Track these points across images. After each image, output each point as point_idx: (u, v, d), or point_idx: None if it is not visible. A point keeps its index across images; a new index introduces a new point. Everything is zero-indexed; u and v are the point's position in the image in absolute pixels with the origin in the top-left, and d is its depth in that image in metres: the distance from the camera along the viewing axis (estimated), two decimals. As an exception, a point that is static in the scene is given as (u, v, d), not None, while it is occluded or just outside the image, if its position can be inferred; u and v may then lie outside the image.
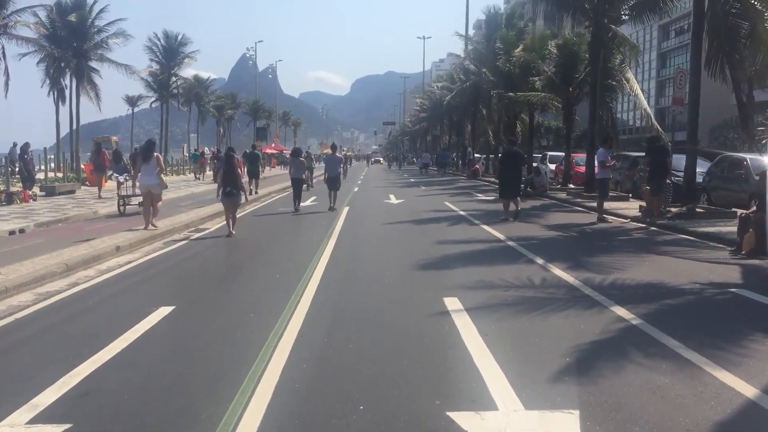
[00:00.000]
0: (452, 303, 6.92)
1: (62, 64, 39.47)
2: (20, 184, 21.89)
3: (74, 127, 40.38)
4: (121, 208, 17.27)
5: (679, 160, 16.84)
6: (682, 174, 16.11)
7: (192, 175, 41.02)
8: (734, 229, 11.03)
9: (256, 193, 24.44)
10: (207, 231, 14.09)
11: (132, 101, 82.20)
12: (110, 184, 25.13)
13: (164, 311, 6.78)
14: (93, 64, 41.74)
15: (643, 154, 21.00)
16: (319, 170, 39.62)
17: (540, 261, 9.68)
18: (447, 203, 20.80)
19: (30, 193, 20.96)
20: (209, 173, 36.04)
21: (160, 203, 13.68)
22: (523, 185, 18.95)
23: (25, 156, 22.50)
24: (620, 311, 6.56)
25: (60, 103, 39.98)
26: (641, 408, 4.08)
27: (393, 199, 22.88)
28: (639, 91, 24.83)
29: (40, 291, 7.96)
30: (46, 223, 14.93)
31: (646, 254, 10.56)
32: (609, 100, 25.80)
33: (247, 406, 4.17)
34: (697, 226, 12.94)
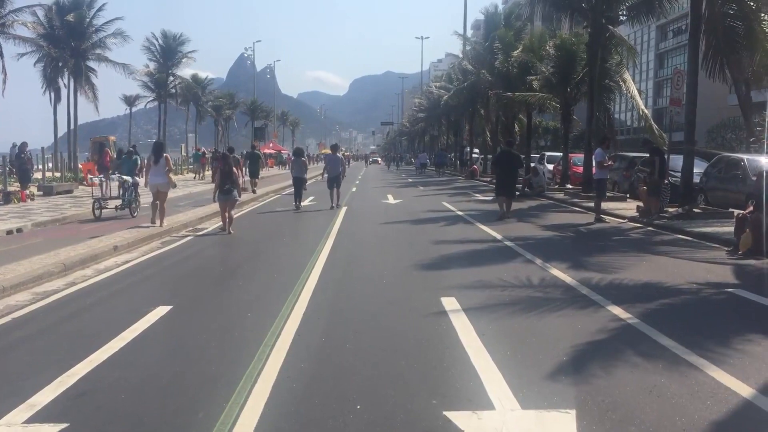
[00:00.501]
0: (450, 303, 6.93)
1: (60, 64, 39.44)
2: (18, 184, 21.84)
3: (72, 126, 40.37)
4: (96, 212, 15.95)
5: (676, 161, 16.87)
6: (679, 174, 16.13)
7: (191, 174, 41.06)
8: (731, 229, 11.05)
9: (254, 192, 24.51)
10: (205, 231, 14.09)
11: (130, 101, 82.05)
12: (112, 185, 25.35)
13: (162, 311, 6.78)
14: (91, 63, 41.76)
15: (640, 154, 21.08)
16: (316, 170, 39.74)
17: (537, 261, 9.70)
18: (445, 203, 20.82)
19: (27, 192, 20.92)
20: (208, 173, 36.07)
21: (165, 203, 13.98)
22: (519, 185, 19.09)
23: (22, 155, 22.42)
24: (617, 311, 6.58)
25: (57, 102, 39.96)
26: (637, 407, 4.09)
27: (391, 199, 22.89)
28: (636, 93, 24.88)
29: (38, 290, 7.96)
30: (44, 223, 14.91)
31: (644, 254, 10.57)
32: (607, 101, 25.85)
33: (244, 406, 4.17)
34: (694, 227, 12.97)
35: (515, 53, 29.23)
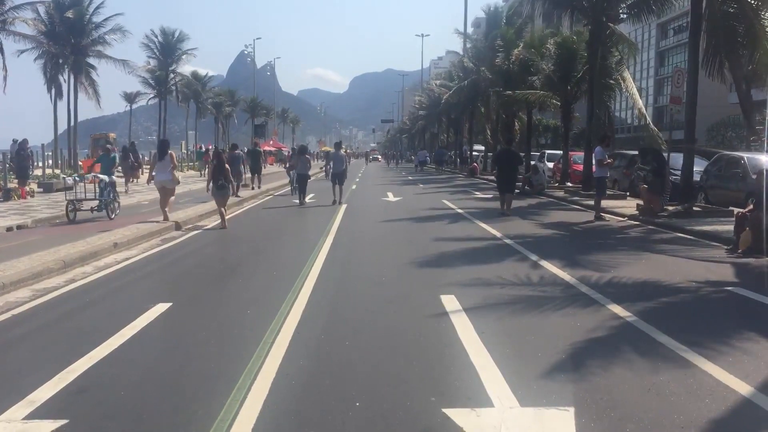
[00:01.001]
0: (449, 301, 6.93)
1: (60, 61, 39.42)
2: (17, 181, 21.84)
3: (72, 123, 40.34)
4: (71, 214, 14.71)
5: (676, 159, 16.86)
6: (679, 172, 16.13)
7: (192, 172, 41.06)
8: (731, 227, 11.05)
9: (259, 188, 24.88)
10: (205, 228, 14.10)
11: (130, 98, 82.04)
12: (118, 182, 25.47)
13: (161, 308, 6.79)
14: (91, 60, 41.71)
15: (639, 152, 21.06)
16: (315, 168, 39.71)
17: (537, 259, 9.70)
18: (445, 201, 20.81)
19: (27, 189, 20.92)
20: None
21: (172, 198, 14.34)
22: (519, 183, 19.19)
23: (21, 152, 22.39)
24: (616, 309, 6.58)
25: (58, 99, 39.94)
26: (636, 405, 4.09)
27: (391, 197, 22.88)
28: (635, 91, 24.86)
29: (38, 287, 7.97)
30: (44, 220, 14.92)
31: (643, 252, 10.58)
32: (607, 99, 25.82)
33: (243, 403, 4.18)
34: (694, 225, 12.97)
35: (516, 51, 29.22)
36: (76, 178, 16.00)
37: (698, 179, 17.23)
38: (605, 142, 16.24)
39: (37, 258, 9.15)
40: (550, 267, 9.02)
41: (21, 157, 22.12)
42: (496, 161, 18.11)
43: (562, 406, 4.05)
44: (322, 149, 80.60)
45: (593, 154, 16.81)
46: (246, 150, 28.15)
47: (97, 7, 41.43)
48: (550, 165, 29.53)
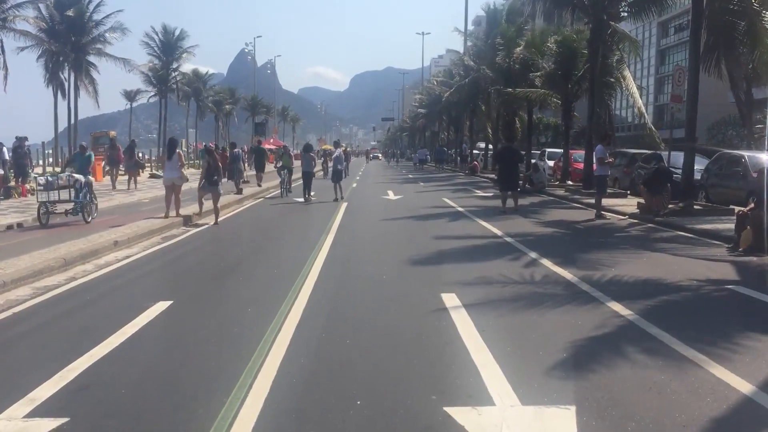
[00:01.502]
0: (450, 299, 6.93)
1: (60, 59, 39.40)
2: (19, 178, 21.79)
3: (72, 121, 40.35)
4: (43, 217, 13.42)
5: (677, 158, 16.85)
6: (680, 171, 16.11)
7: (193, 170, 41.11)
8: (732, 226, 11.04)
9: (260, 186, 24.96)
10: (205, 226, 14.09)
11: (130, 96, 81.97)
12: (119, 179, 26.06)
13: (162, 306, 6.79)
14: (91, 58, 41.70)
15: (640, 151, 21.05)
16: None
17: (538, 257, 9.69)
18: (445, 199, 20.80)
19: (28, 187, 20.90)
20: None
21: (180, 195, 14.54)
22: (521, 181, 19.25)
23: (19, 149, 22.30)
24: (617, 307, 6.57)
25: (61, 96, 39.93)
26: (637, 404, 4.09)
27: (391, 195, 22.86)
28: (635, 90, 24.83)
29: (38, 285, 7.96)
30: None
31: (644, 251, 10.57)
32: (607, 97, 25.79)
33: (244, 401, 4.18)
34: (694, 223, 12.96)
35: (517, 49, 29.19)
36: (49, 178, 14.29)
37: (699, 178, 17.22)
38: (606, 141, 16.26)
39: (38, 256, 9.14)
40: (551, 265, 9.01)
41: (18, 154, 22.05)
42: (497, 159, 18.36)
43: (563, 405, 4.05)
44: (323, 147, 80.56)
45: (594, 153, 16.81)
46: (249, 148, 28.58)
47: (98, 5, 41.45)
48: (551, 163, 29.51)
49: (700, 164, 17.40)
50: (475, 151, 48.21)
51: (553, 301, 6.97)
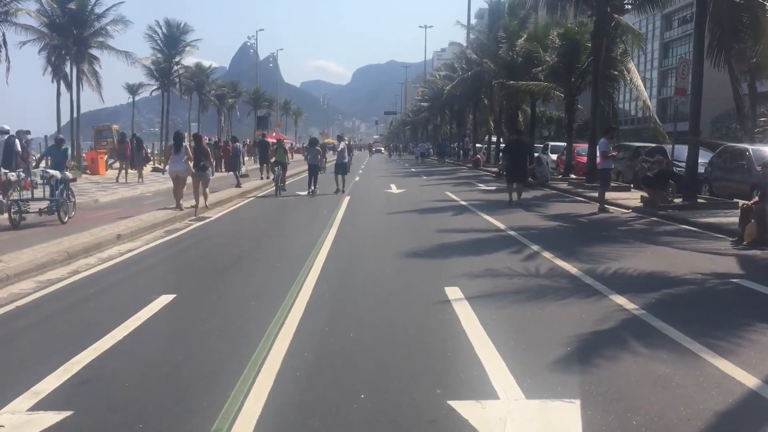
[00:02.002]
0: (453, 292, 6.91)
1: (62, 52, 39.32)
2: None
3: (75, 115, 40.30)
4: (15, 216, 12.09)
5: (681, 151, 16.79)
6: (684, 165, 16.06)
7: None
8: (736, 219, 11.00)
9: (262, 179, 25.16)
10: (208, 219, 14.09)
11: (132, 90, 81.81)
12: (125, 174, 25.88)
13: (165, 299, 6.79)
14: (93, 51, 41.58)
15: (644, 144, 20.96)
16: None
17: (541, 250, 9.66)
18: (448, 193, 20.76)
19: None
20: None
21: (184, 188, 15.11)
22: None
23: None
24: (621, 301, 6.55)
25: (66, 88, 39.83)
26: (642, 397, 4.08)
27: (394, 189, 22.84)
28: (639, 83, 24.70)
29: (41, 279, 7.97)
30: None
31: (648, 244, 10.53)
32: (611, 91, 25.66)
33: (248, 395, 4.17)
34: (698, 217, 12.91)
35: (519, 42, 29.07)
36: (21, 174, 13.15)
37: (703, 171, 17.16)
38: (609, 134, 16.21)
39: (41, 249, 9.15)
40: (554, 258, 8.99)
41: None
42: (506, 151, 18.60)
43: (567, 399, 4.04)
44: (325, 141, 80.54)
45: (597, 146, 16.76)
46: (252, 142, 28.81)
47: (99, -2, 41.26)
48: (554, 157, 29.43)
49: (704, 158, 17.33)
50: (478, 145, 48.11)
51: (557, 294, 6.96)
